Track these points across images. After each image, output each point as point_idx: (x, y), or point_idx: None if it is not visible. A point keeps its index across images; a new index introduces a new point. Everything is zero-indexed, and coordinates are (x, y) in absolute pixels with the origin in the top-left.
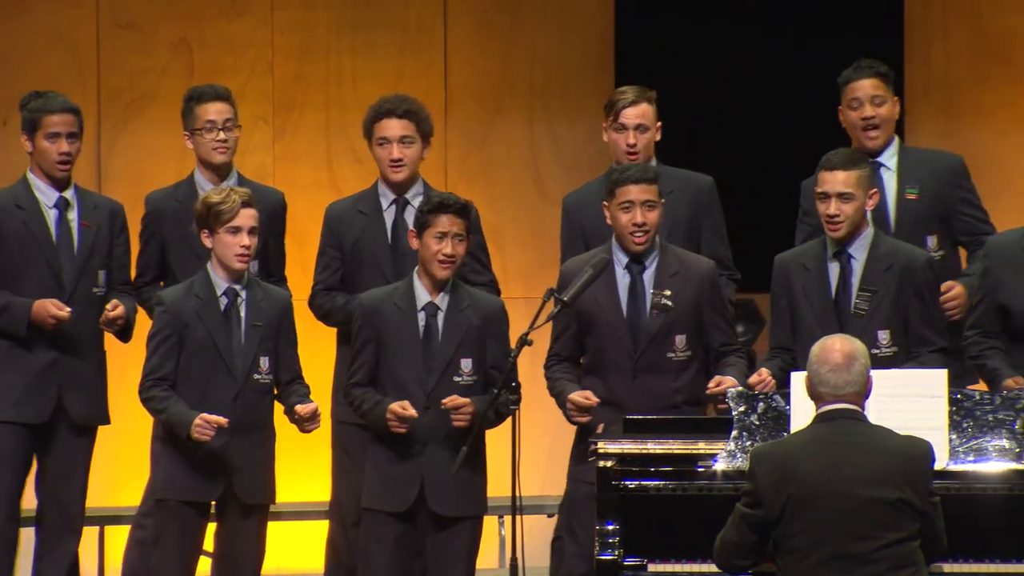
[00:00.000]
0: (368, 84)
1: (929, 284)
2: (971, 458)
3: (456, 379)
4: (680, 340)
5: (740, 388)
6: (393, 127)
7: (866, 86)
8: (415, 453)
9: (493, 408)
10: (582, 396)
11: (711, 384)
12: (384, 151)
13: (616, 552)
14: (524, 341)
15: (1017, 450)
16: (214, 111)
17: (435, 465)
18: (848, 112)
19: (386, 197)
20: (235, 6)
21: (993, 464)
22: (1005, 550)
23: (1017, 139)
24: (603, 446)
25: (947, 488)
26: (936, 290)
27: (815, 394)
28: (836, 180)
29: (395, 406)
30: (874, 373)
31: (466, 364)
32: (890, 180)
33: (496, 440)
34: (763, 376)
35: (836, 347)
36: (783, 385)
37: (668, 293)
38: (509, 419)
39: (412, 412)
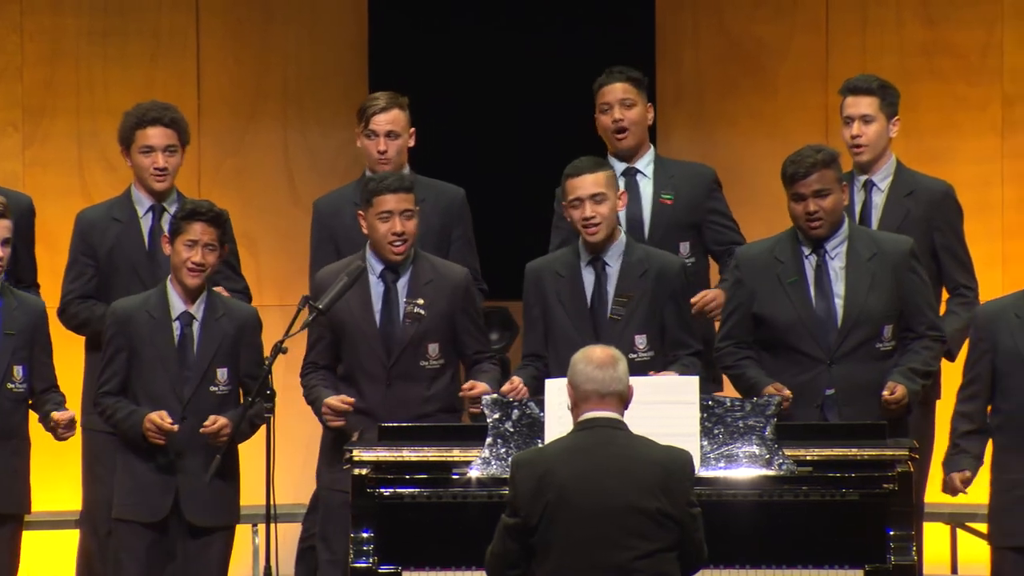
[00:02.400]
0: (120, 91)
1: (684, 289)
2: (722, 464)
3: (212, 389)
4: (433, 349)
5: (495, 396)
6: (159, 136)
7: (616, 90)
8: (170, 463)
9: (247, 419)
10: (338, 400)
11: (465, 386)
12: (149, 159)
13: (371, 560)
14: (279, 349)
15: (767, 456)
16: None
17: (190, 475)
18: (601, 117)
19: (142, 204)
20: None
21: (744, 470)
22: (755, 556)
23: (763, 148)
24: (358, 454)
25: (698, 494)
26: (689, 295)
27: (580, 396)
28: (586, 183)
29: (154, 416)
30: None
31: (222, 374)
32: (646, 186)
33: (250, 448)
34: (515, 384)
35: (597, 351)
36: (537, 392)
37: (421, 302)
38: (263, 427)
39: (170, 424)
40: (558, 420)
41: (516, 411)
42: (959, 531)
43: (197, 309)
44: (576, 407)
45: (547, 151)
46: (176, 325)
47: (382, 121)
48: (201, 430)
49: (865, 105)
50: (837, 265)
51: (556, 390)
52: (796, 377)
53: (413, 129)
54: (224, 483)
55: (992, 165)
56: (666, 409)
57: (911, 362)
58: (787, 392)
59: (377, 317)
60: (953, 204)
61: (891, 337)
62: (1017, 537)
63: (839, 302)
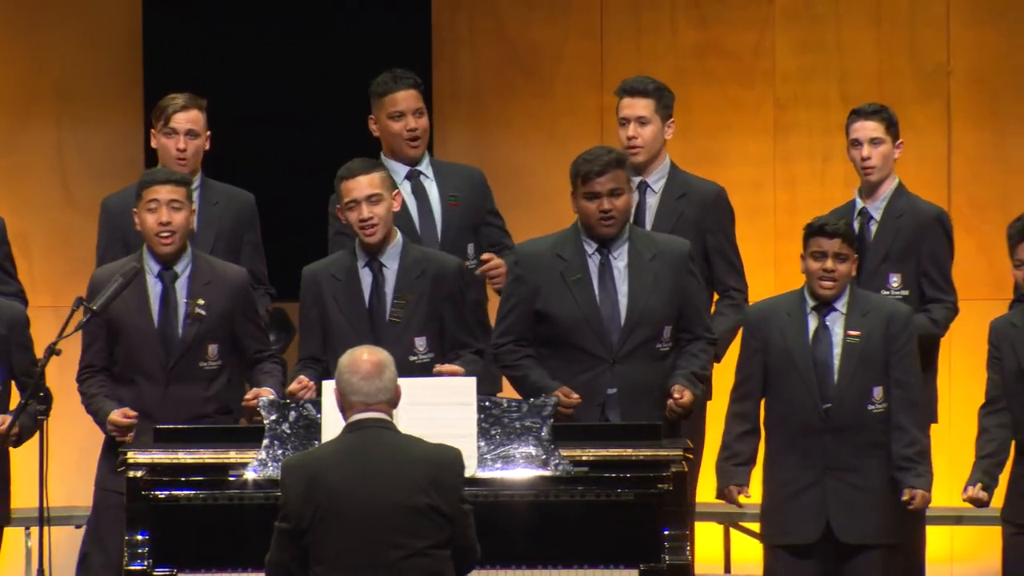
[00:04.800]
0: None
1: (461, 289)
2: (499, 465)
3: None
4: (212, 350)
5: (271, 397)
6: None
7: (409, 98)
8: None
9: (32, 417)
10: (121, 415)
11: (248, 396)
12: None
13: (146, 562)
14: (52, 351)
15: (544, 457)
16: None
17: None
18: (390, 123)
19: None
20: None
21: (520, 471)
22: (532, 557)
23: (540, 150)
24: (133, 456)
25: (475, 495)
26: (466, 294)
27: (347, 404)
28: (361, 185)
29: None
30: (404, 381)
31: None
32: (432, 188)
33: (23, 450)
34: (304, 383)
35: (364, 357)
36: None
37: (202, 302)
38: (36, 429)
39: None
40: (335, 422)
41: (293, 413)
42: (732, 530)
43: None
44: (344, 410)
45: (324, 153)
46: None
47: (182, 120)
48: None
49: (641, 107)
50: (620, 264)
51: (332, 392)
52: (578, 376)
53: (209, 132)
54: None
55: (765, 167)
56: (443, 411)
57: (691, 366)
58: (575, 397)
59: (156, 317)
60: (725, 206)
61: (669, 338)
62: (790, 535)
63: (623, 301)
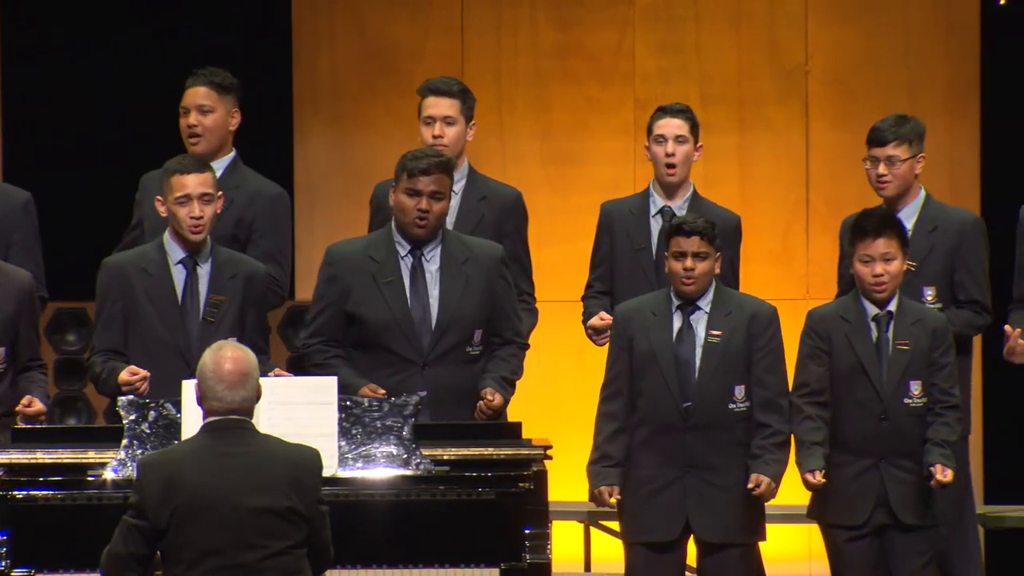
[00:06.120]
0: None
1: (264, 295)
2: (360, 464)
3: None
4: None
5: (131, 397)
6: None
7: (196, 94)
8: None
9: None
10: None
11: (24, 402)
12: None
13: (5, 563)
14: None
15: (405, 456)
16: None
17: None
18: (181, 119)
19: None
20: None
21: (381, 470)
22: (393, 556)
23: (402, 149)
24: None
25: (336, 495)
26: (268, 301)
27: (207, 405)
28: (196, 182)
29: None
30: (265, 381)
31: None
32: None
33: None
34: (140, 373)
35: (228, 368)
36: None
37: None
38: None
39: None
40: (195, 421)
41: (153, 412)
42: (592, 529)
43: None
44: (201, 401)
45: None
46: None
47: None
48: None
49: (447, 107)
50: (433, 267)
51: (192, 391)
52: (389, 378)
53: None
54: None
55: (625, 167)
56: (304, 410)
57: (501, 370)
58: (381, 392)
59: None
60: (523, 211)
61: (480, 342)
62: (650, 533)
63: (435, 304)
